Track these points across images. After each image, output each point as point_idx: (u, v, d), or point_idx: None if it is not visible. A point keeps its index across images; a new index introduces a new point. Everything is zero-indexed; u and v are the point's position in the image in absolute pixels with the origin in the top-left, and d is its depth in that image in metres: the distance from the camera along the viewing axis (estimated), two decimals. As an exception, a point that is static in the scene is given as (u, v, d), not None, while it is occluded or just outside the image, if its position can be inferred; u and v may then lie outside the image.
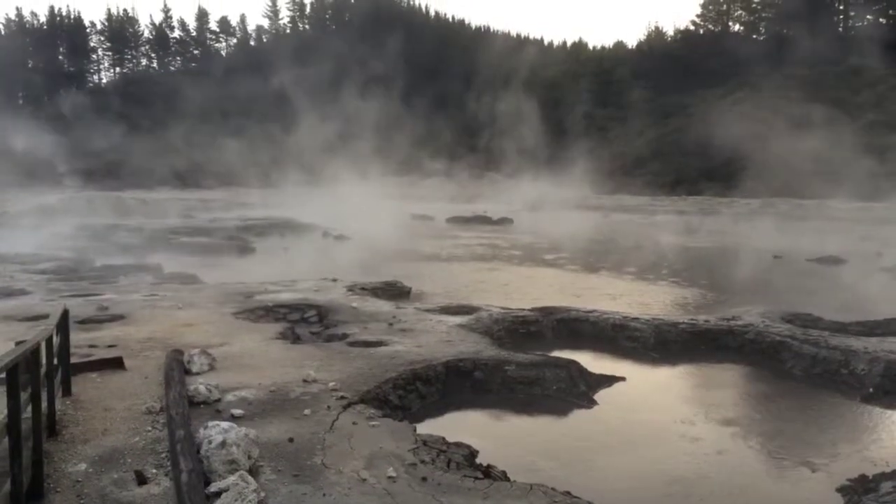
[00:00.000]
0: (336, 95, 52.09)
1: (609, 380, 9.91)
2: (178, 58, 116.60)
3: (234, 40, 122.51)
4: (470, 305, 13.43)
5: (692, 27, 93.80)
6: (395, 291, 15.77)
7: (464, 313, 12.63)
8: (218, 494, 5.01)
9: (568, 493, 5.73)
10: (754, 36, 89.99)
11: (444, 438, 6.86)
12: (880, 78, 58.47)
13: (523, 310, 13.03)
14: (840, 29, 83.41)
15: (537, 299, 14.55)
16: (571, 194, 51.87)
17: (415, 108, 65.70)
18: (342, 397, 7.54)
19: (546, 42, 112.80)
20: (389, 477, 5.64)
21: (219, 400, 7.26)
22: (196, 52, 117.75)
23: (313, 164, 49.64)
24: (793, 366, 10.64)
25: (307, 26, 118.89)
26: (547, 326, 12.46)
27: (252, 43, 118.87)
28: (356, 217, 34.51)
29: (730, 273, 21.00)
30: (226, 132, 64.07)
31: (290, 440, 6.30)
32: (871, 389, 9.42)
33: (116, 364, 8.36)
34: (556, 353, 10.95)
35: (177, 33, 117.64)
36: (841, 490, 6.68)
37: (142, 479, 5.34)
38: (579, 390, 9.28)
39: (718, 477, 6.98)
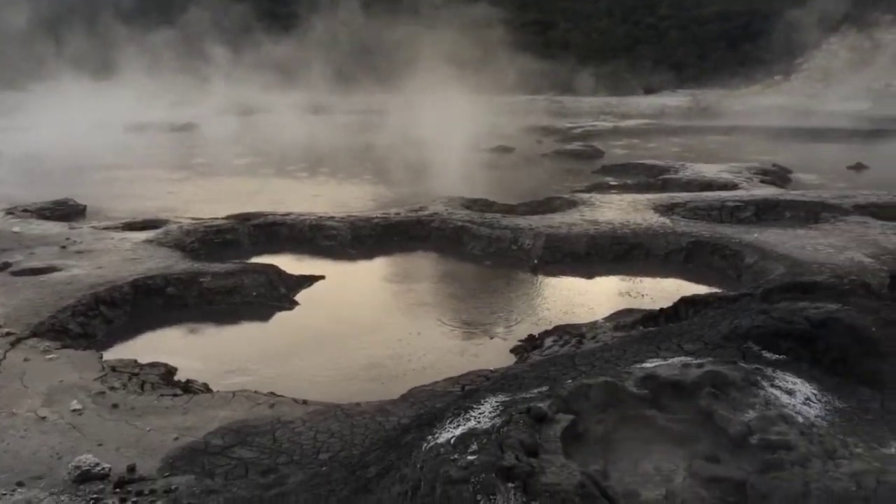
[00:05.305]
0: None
1: (309, 280, 10.08)
2: None
3: None
4: (157, 219, 12.56)
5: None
6: (66, 210, 14.14)
7: (150, 228, 11.82)
8: None
9: (272, 393, 5.82)
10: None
11: (136, 361, 6.49)
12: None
13: (217, 218, 12.53)
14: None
15: (232, 207, 14.03)
16: (260, 97, 49.92)
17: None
18: (9, 333, 6.71)
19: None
20: (74, 410, 5.21)
21: None
22: None
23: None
24: (473, 247, 11.78)
25: None
26: (243, 233, 12.17)
27: None
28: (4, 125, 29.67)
29: (417, 167, 22.18)
30: None
31: (-56, 391, 5.47)
32: (535, 261, 10.85)
33: None
34: (255, 260, 10.85)
35: None
36: (514, 350, 7.72)
37: None
38: (280, 293, 9.32)
39: (413, 356, 7.59)
